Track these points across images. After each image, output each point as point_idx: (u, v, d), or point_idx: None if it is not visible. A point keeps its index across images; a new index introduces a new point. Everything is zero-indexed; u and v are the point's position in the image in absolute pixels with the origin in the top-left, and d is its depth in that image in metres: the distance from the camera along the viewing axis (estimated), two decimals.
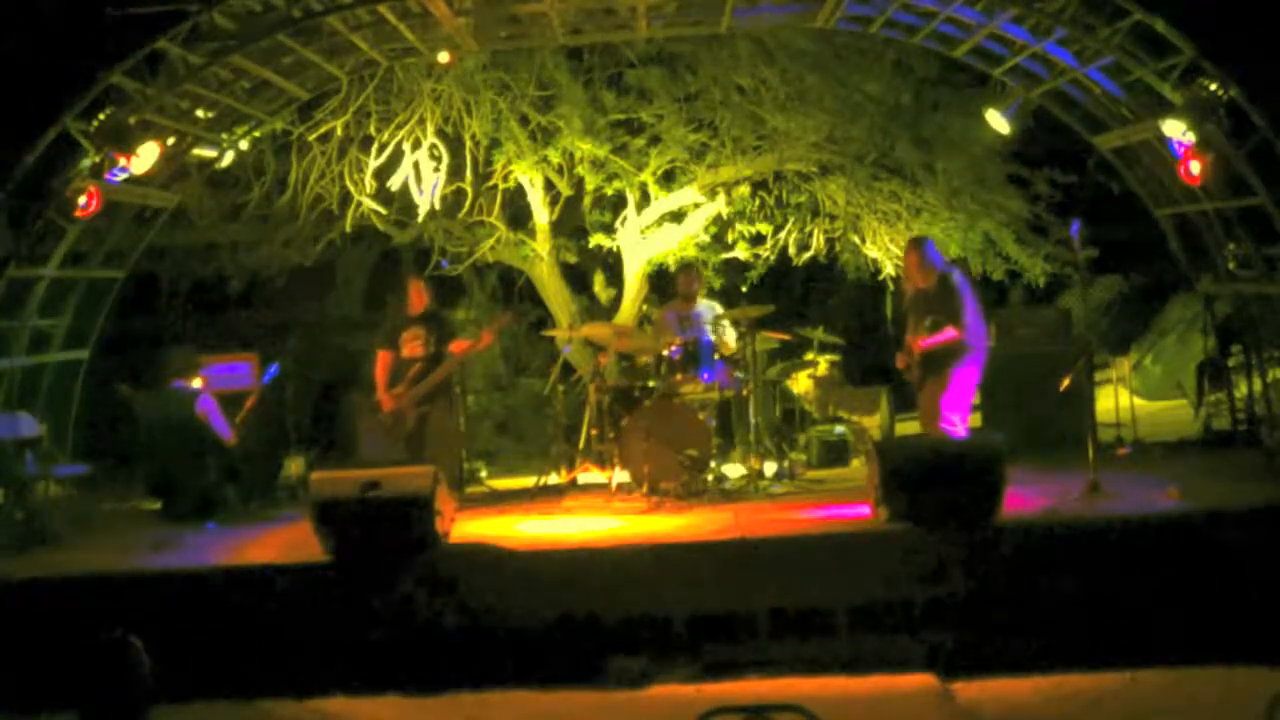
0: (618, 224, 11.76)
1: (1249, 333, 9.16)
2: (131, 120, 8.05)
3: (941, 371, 8.02)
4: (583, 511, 8.27)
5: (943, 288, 8.04)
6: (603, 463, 8.94)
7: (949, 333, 7.93)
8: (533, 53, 10.62)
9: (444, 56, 9.15)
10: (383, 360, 8.86)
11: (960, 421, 8.00)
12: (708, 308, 9.52)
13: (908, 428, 10.80)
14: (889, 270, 11.67)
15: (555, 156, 11.08)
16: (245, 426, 8.96)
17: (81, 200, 8.09)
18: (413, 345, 8.81)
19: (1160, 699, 5.67)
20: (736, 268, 11.96)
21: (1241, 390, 9.29)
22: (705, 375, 8.59)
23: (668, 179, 11.51)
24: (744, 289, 11.86)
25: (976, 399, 8.48)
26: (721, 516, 7.71)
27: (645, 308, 11.78)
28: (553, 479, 9.23)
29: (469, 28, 8.90)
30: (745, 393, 8.80)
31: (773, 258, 11.83)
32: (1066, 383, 8.68)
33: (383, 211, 11.31)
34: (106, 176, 8.32)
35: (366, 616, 6.59)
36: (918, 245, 8.37)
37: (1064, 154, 10.79)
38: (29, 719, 6.03)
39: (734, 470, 8.84)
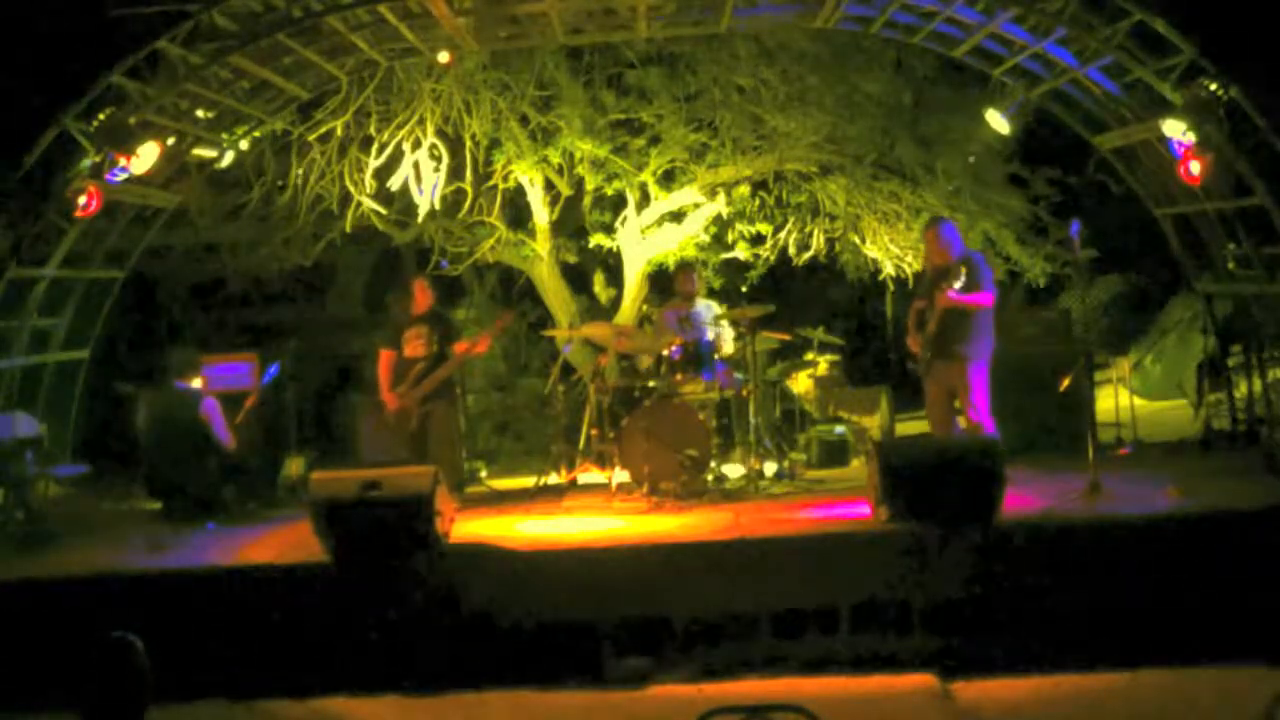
0: (618, 224, 11.75)
1: (1249, 333, 9.15)
2: (131, 120, 8.06)
3: (950, 357, 7.78)
4: (583, 511, 8.27)
5: (964, 265, 7.75)
6: (603, 463, 8.93)
7: (982, 295, 7.69)
8: (533, 53, 10.62)
9: (444, 56, 9.16)
10: (385, 359, 8.89)
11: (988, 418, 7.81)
12: (707, 307, 9.51)
13: (907, 428, 10.80)
14: (889, 270, 11.67)
15: (555, 156, 11.08)
16: (245, 426, 8.96)
17: (81, 200, 8.09)
18: (415, 344, 8.83)
19: (1160, 699, 5.67)
20: (736, 268, 11.95)
21: (1241, 390, 9.28)
22: (705, 375, 8.59)
23: (668, 179, 11.50)
24: (744, 289, 11.86)
25: None
26: (721, 516, 7.71)
27: (645, 308, 11.77)
28: (553, 479, 9.23)
29: (469, 28, 8.90)
30: (745, 393, 8.79)
31: (773, 258, 11.82)
32: (1066, 383, 8.69)
33: (383, 211, 11.30)
34: (106, 176, 8.31)
35: (366, 616, 6.58)
36: (934, 224, 8.24)
37: (1064, 154, 10.78)
38: (28, 719, 6.03)
39: (734, 470, 8.83)
